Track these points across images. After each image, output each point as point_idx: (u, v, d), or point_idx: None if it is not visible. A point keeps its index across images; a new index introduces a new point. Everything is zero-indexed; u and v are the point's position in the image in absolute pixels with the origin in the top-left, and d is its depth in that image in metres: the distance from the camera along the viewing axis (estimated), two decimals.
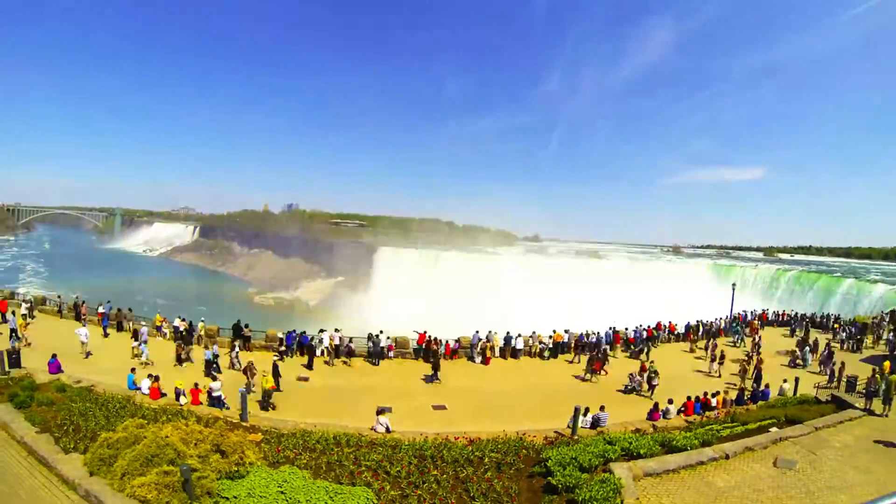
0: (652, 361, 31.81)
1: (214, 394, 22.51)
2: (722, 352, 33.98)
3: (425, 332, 32.98)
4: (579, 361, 33.68)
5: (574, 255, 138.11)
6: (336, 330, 33.16)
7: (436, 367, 29.07)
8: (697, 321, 43.78)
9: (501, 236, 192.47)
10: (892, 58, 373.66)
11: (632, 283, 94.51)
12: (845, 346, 38.48)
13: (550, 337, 35.66)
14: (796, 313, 54.33)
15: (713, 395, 25.24)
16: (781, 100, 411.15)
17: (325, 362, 31.32)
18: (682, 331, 41.94)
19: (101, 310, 36.85)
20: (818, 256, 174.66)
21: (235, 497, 13.22)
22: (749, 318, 49.71)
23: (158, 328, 35.11)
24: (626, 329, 38.86)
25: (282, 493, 13.48)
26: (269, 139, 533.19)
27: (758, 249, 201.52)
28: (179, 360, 28.92)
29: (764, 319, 50.51)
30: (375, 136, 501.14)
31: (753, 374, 29.18)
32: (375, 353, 32.16)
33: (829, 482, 15.77)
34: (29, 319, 34.93)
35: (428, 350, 32.02)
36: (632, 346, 37.44)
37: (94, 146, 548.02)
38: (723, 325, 46.09)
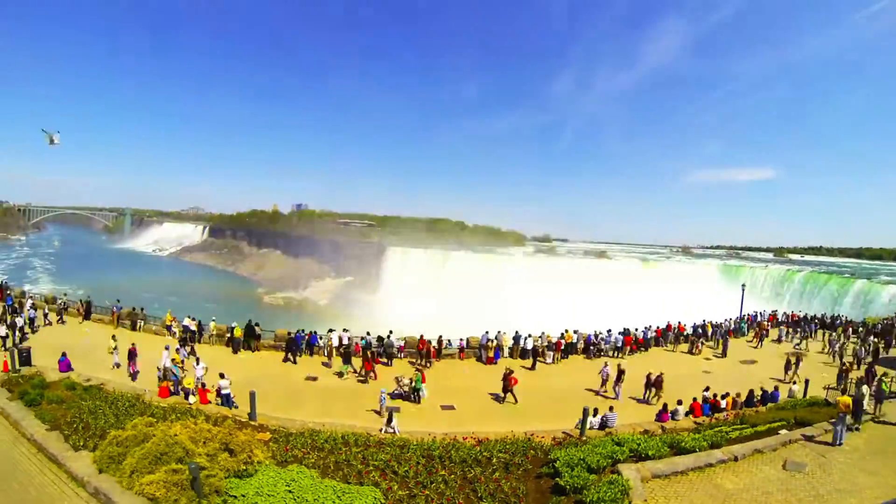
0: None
1: (224, 391, 22.60)
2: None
3: (421, 336, 33.04)
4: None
5: (583, 255, 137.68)
6: (345, 330, 33.28)
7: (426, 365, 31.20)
8: (705, 321, 43.59)
9: (511, 236, 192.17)
10: None
11: (641, 283, 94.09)
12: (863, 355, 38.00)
13: (561, 337, 35.43)
14: (806, 314, 53.96)
15: (722, 397, 25.11)
16: (793, 100, 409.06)
17: (324, 363, 31.44)
18: (690, 332, 41.65)
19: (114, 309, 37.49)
20: (829, 257, 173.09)
21: (243, 495, 13.25)
22: (759, 318, 49.42)
23: (168, 327, 35.23)
24: (636, 330, 38.70)
25: (290, 491, 13.50)
26: (279, 139, 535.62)
27: (768, 250, 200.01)
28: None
29: (771, 321, 50.12)
30: (385, 136, 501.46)
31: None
32: (387, 354, 32.27)
33: (838, 485, 15.67)
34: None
35: (420, 351, 32.35)
36: (641, 347, 37.34)
37: (105, 146, 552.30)
38: (732, 326, 45.83)
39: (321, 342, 33.20)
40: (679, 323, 42.45)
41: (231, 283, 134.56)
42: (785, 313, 54.62)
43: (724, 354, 37.49)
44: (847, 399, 19.79)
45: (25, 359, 24.22)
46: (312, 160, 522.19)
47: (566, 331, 35.84)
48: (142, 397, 21.71)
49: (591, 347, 35.76)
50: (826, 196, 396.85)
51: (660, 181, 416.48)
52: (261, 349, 33.26)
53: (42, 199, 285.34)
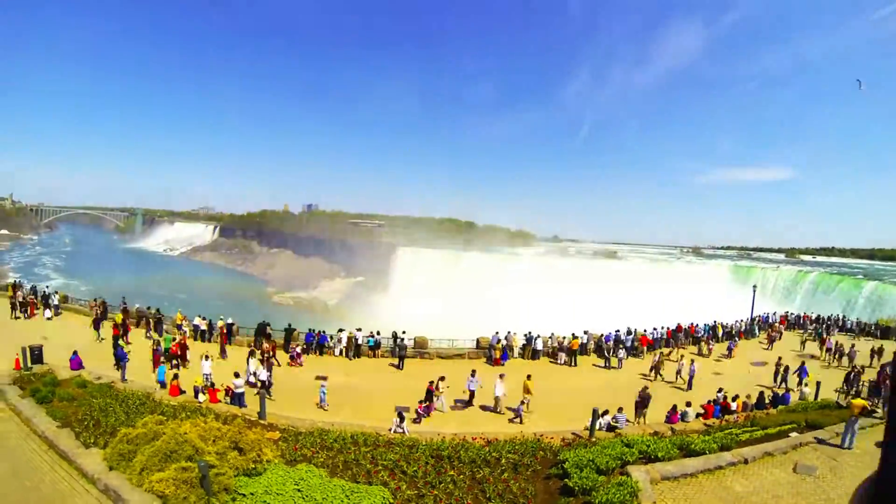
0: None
1: (237, 391, 22.74)
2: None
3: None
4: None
5: (593, 255, 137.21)
6: (358, 329, 33.64)
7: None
8: (716, 322, 43.43)
9: (521, 237, 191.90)
10: None
11: (652, 283, 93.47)
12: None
13: (571, 339, 35.24)
14: (818, 316, 53.62)
15: (733, 399, 24.97)
16: (805, 100, 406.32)
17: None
18: (701, 333, 41.47)
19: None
20: (841, 258, 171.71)
21: (252, 494, 13.30)
22: (771, 320, 49.16)
23: (178, 326, 35.40)
24: (645, 331, 38.57)
25: (298, 490, 13.54)
26: (291, 140, 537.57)
27: (779, 251, 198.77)
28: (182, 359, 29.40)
29: (783, 324, 49.80)
30: (395, 136, 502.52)
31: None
32: (399, 354, 32.42)
33: (849, 489, 15.49)
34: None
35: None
36: (651, 348, 37.21)
37: (117, 147, 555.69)
38: (743, 327, 45.62)
39: (331, 342, 33.37)
40: (691, 324, 42.30)
41: (241, 283, 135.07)
42: (797, 315, 54.31)
43: (729, 356, 37.36)
44: (862, 402, 19.60)
45: (37, 357, 24.42)
46: (324, 161, 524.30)
47: (573, 335, 35.66)
48: (152, 395, 21.86)
49: (608, 346, 35.55)
50: (838, 196, 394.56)
51: (671, 182, 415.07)
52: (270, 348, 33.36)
53: (54, 199, 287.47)
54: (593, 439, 19.78)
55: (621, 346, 34.96)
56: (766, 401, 25.95)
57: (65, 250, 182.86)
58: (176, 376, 23.26)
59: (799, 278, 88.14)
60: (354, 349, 32.66)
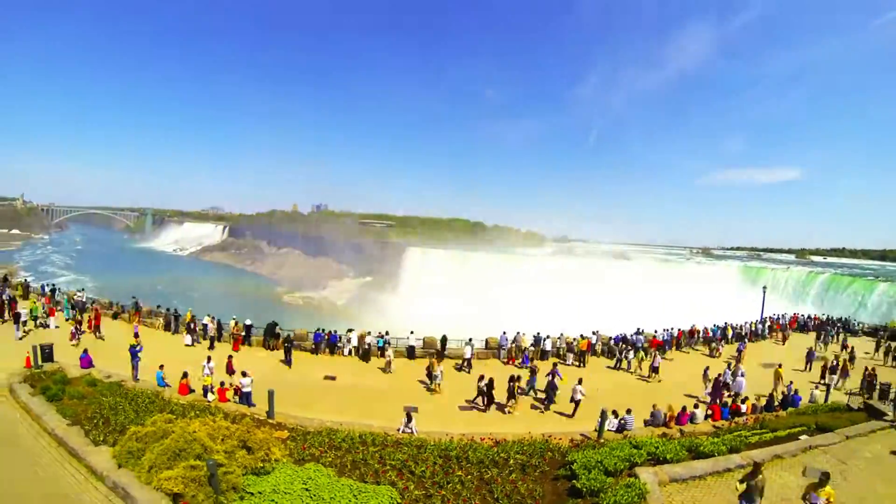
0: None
1: (245, 390, 22.81)
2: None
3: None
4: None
5: (601, 255, 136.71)
6: (369, 333, 33.71)
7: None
8: (726, 323, 43.22)
9: (530, 237, 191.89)
10: None
11: (661, 284, 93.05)
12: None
13: (580, 339, 35.17)
14: (829, 317, 53.23)
15: (742, 401, 24.83)
16: (815, 102, 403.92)
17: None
18: (711, 334, 41.24)
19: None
20: (852, 259, 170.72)
21: (260, 493, 13.32)
22: (780, 321, 48.82)
23: (188, 325, 35.48)
24: (656, 332, 38.42)
25: (306, 489, 13.55)
26: (301, 141, 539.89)
27: (789, 251, 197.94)
28: None
29: (793, 326, 49.47)
30: (405, 138, 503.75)
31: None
32: (409, 354, 32.50)
33: (858, 493, 15.44)
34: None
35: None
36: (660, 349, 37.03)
37: (127, 147, 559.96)
38: (753, 328, 45.36)
39: (341, 342, 33.46)
40: (705, 328, 42.04)
41: (250, 283, 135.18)
42: (807, 316, 53.93)
43: (738, 359, 37.10)
44: None
45: (48, 355, 24.57)
46: (334, 162, 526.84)
47: (582, 336, 35.56)
48: (161, 394, 21.97)
49: (617, 347, 35.44)
50: (849, 197, 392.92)
51: (681, 183, 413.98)
52: (280, 348, 33.42)
53: (64, 199, 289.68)
54: (602, 440, 19.75)
55: (631, 347, 34.83)
56: (776, 403, 25.80)
57: (75, 249, 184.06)
58: (185, 375, 23.32)
59: (809, 279, 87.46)
60: (363, 353, 32.62)
